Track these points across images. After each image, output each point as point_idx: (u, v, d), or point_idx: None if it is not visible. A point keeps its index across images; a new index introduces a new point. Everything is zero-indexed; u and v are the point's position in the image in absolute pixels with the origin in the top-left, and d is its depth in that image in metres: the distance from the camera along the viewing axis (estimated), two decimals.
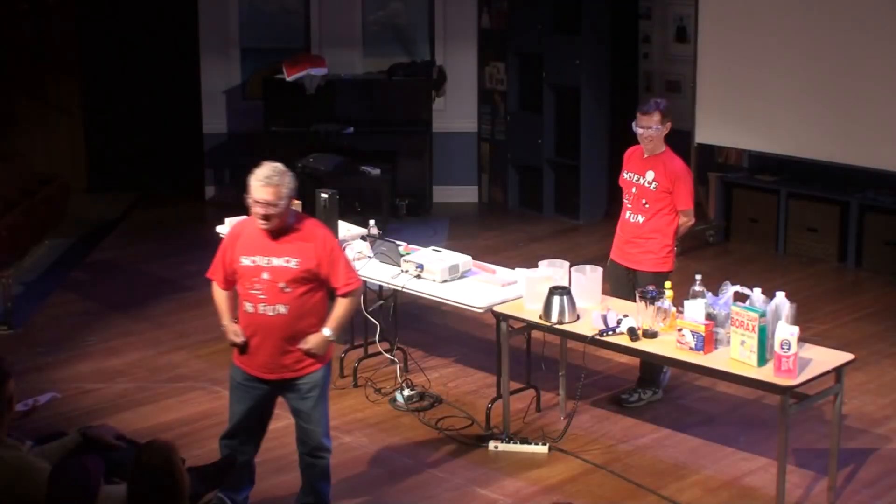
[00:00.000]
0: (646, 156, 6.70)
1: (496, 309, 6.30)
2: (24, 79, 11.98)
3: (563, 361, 6.70)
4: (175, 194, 11.96)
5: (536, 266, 6.34)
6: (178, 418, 6.77)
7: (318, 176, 10.06)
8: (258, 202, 5.14)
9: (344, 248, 7.21)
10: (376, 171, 10.55)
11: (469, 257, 6.91)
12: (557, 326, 6.03)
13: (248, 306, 5.23)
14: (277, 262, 5.17)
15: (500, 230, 10.67)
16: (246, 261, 5.22)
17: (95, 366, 7.56)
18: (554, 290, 6.04)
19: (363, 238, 7.29)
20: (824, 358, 5.59)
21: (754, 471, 6.06)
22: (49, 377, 7.30)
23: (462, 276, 6.75)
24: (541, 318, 6.09)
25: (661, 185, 6.61)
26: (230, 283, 5.37)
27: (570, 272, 6.26)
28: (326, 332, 5.31)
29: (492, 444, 6.34)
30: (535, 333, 6.58)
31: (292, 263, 5.16)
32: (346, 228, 7.48)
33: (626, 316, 5.90)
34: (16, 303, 8.45)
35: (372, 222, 7.33)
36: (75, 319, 8.41)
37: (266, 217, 5.15)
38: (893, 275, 9.10)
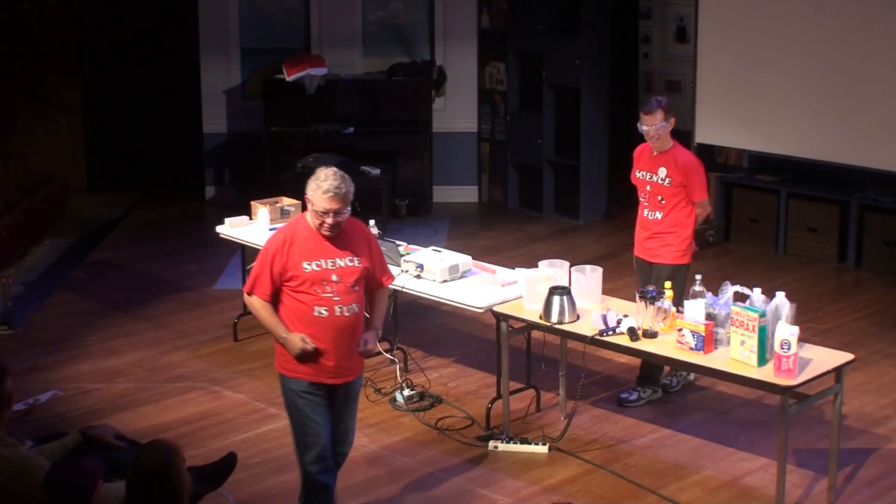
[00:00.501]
0: (655, 153, 6.74)
1: (496, 309, 6.30)
2: (24, 79, 11.99)
3: (563, 361, 6.70)
4: (175, 194, 11.96)
5: (536, 266, 6.34)
6: (178, 418, 6.76)
7: None
8: (328, 212, 5.04)
9: None
10: (376, 171, 10.54)
11: (469, 257, 6.91)
12: (557, 326, 6.03)
13: (322, 311, 5.10)
14: (342, 262, 5.13)
15: (500, 230, 10.67)
16: (309, 266, 5.09)
17: (95, 366, 7.56)
18: (554, 290, 6.04)
19: None
20: (824, 358, 5.59)
21: (754, 471, 6.06)
22: (49, 377, 7.30)
23: (462, 276, 6.75)
24: (541, 318, 6.09)
25: (674, 181, 6.66)
26: (271, 296, 5.18)
27: (570, 272, 6.27)
28: (376, 329, 5.37)
29: (492, 444, 6.34)
30: (535, 333, 6.58)
31: (356, 262, 5.17)
32: None
33: (626, 316, 5.91)
34: (16, 303, 8.45)
35: (372, 222, 7.30)
36: (75, 319, 8.40)
37: (336, 226, 5.08)
38: (893, 275, 9.10)
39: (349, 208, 5.09)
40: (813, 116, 9.33)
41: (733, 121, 9.84)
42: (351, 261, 5.15)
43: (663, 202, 6.73)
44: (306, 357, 5.12)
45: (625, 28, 11.19)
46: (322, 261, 5.10)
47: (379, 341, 7.15)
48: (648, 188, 6.77)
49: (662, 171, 6.69)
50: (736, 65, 9.72)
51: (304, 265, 5.09)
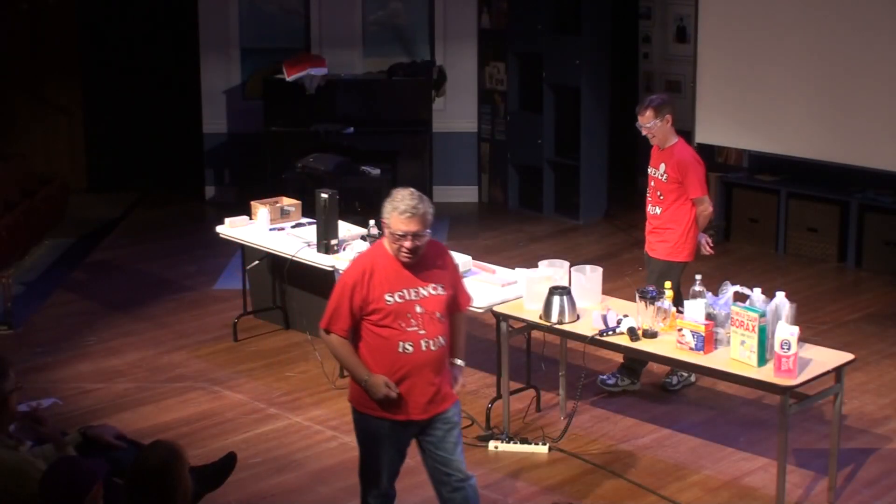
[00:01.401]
0: (660, 149, 6.85)
1: (496, 309, 6.30)
2: (24, 79, 11.99)
3: (563, 361, 6.69)
4: (175, 194, 11.96)
5: (536, 266, 6.34)
6: (178, 418, 6.76)
7: (318, 176, 10.06)
8: (406, 235, 4.67)
9: (344, 248, 7.22)
10: (376, 171, 10.54)
11: (469, 257, 6.91)
12: (557, 326, 6.03)
13: (408, 346, 4.71)
14: (426, 291, 4.75)
15: (500, 230, 10.67)
16: (392, 298, 4.70)
17: (95, 366, 7.55)
18: (554, 290, 6.04)
19: (363, 238, 7.29)
20: (824, 358, 5.59)
21: (754, 471, 6.06)
22: (49, 377, 7.30)
23: (462, 276, 6.74)
24: (541, 318, 6.09)
25: (671, 176, 6.76)
26: (350, 331, 4.81)
27: (570, 272, 6.27)
28: (460, 362, 5.01)
29: (492, 444, 6.33)
30: (535, 333, 6.59)
31: (440, 289, 4.78)
32: (346, 228, 7.48)
33: (626, 316, 5.91)
34: (16, 303, 8.45)
35: (372, 222, 7.32)
36: (75, 319, 8.40)
37: (415, 250, 4.70)
38: (893, 275, 9.10)
39: (429, 231, 4.74)
40: (813, 116, 9.33)
41: (733, 121, 9.84)
42: (435, 289, 4.77)
43: (662, 198, 6.83)
44: (389, 403, 4.76)
45: (625, 28, 11.19)
46: (405, 291, 4.72)
47: None
48: (652, 183, 6.91)
49: (662, 167, 6.80)
50: (736, 65, 9.72)
51: (387, 297, 4.71)
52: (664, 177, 6.78)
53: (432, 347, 4.75)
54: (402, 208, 4.70)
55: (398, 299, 4.71)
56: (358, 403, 4.86)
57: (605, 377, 6.98)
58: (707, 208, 6.87)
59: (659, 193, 6.84)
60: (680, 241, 6.82)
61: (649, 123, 6.75)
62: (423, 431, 4.88)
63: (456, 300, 4.92)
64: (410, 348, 4.72)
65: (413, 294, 4.73)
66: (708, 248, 6.97)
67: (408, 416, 4.80)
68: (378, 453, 4.86)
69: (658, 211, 6.86)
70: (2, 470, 4.42)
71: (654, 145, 6.95)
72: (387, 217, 4.77)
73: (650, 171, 6.92)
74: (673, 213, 6.81)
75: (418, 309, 4.72)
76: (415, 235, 4.68)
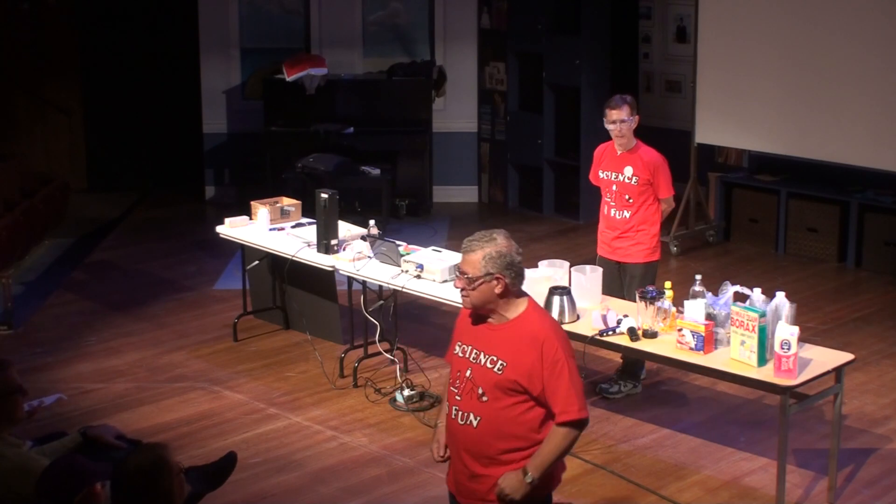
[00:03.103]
0: (620, 152, 6.77)
1: None
2: (24, 79, 11.99)
3: None
4: (175, 194, 11.96)
5: (536, 266, 6.34)
6: (178, 418, 6.76)
7: (318, 176, 10.06)
8: (458, 272, 4.17)
9: (344, 248, 7.20)
10: (376, 171, 10.55)
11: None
12: None
13: (446, 407, 4.23)
14: (484, 359, 4.09)
15: None
16: (458, 349, 4.19)
17: (95, 366, 7.55)
18: (554, 290, 6.04)
19: (363, 238, 7.29)
20: (824, 358, 5.59)
21: (754, 471, 6.06)
22: (49, 377, 7.30)
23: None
24: None
25: (641, 179, 6.71)
26: None
27: (570, 272, 6.27)
28: (525, 472, 4.05)
29: None
30: None
31: (498, 367, 4.05)
32: (346, 228, 7.48)
33: (626, 316, 5.91)
34: (16, 303, 8.45)
35: (372, 222, 7.33)
36: (75, 319, 8.40)
37: (465, 294, 4.10)
38: (893, 275, 9.10)
39: (481, 276, 4.03)
40: (813, 117, 9.32)
41: (733, 121, 9.83)
42: (493, 363, 4.06)
43: (630, 201, 6.77)
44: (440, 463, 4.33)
45: (625, 28, 11.19)
46: (469, 348, 4.15)
47: (379, 344, 7.20)
48: (614, 188, 6.81)
49: (629, 170, 6.73)
50: (736, 65, 9.71)
51: (457, 346, 4.21)
52: (633, 179, 6.71)
53: (459, 421, 4.12)
54: (465, 241, 4.17)
55: (460, 353, 4.19)
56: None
57: (605, 386, 6.92)
58: (671, 205, 6.94)
59: (627, 197, 6.76)
60: (655, 242, 6.82)
61: (627, 118, 6.65)
62: None
63: (548, 404, 4.09)
64: (446, 410, 4.23)
65: (473, 355, 4.14)
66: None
67: (451, 488, 4.31)
68: None
69: (627, 215, 6.78)
70: (7, 468, 4.43)
71: (602, 148, 6.88)
72: None
73: (609, 175, 6.80)
74: (643, 215, 6.76)
75: (468, 373, 4.12)
76: (462, 275, 4.10)
